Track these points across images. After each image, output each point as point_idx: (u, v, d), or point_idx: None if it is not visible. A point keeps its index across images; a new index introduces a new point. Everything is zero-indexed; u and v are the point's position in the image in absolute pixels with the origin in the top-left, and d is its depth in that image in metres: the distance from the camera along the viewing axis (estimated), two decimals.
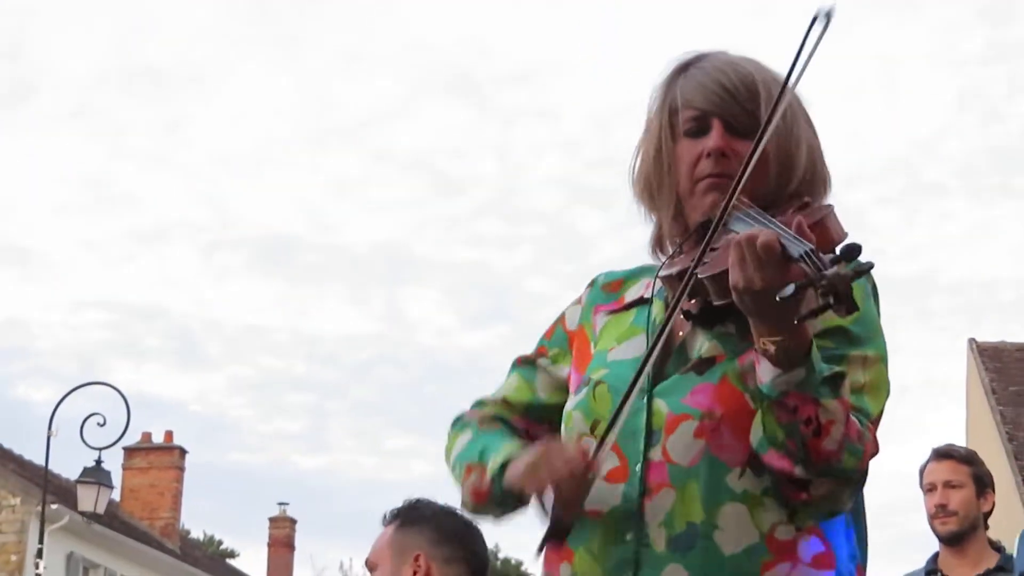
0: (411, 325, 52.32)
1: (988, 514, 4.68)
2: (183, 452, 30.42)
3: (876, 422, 1.99)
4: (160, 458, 30.02)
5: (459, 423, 2.27)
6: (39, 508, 20.73)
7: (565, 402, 2.19)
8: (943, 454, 4.73)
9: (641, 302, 2.19)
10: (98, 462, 20.38)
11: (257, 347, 52.58)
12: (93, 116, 45.62)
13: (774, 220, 1.91)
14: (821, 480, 1.89)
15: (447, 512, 3.35)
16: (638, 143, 2.22)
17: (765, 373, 1.87)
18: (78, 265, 47.07)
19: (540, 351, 2.30)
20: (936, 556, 4.71)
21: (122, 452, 29.15)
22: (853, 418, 1.90)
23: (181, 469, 30.32)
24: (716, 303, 1.95)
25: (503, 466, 2.08)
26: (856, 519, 2.09)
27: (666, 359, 2.07)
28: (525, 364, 2.30)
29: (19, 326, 50.67)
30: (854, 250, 1.75)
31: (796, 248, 1.79)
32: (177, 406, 52.70)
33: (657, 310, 2.14)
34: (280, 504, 38.06)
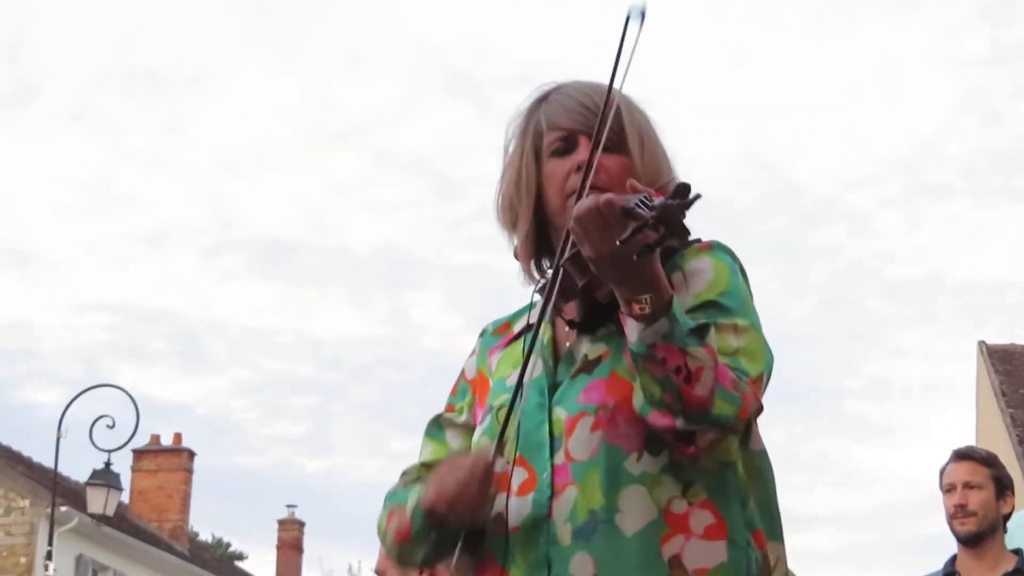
0: (413, 327, 52.37)
1: (1007, 517, 4.67)
2: (192, 454, 30.46)
3: (757, 383, 2.06)
4: (169, 460, 30.07)
5: (388, 498, 2.31)
6: (48, 510, 20.77)
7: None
8: (963, 455, 4.73)
9: (527, 328, 2.26)
10: (107, 464, 20.41)
11: (259, 349, 52.72)
12: (94, 117, 45.77)
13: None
14: (702, 429, 1.98)
15: None
16: (501, 175, 2.32)
17: (632, 332, 1.98)
18: (80, 267, 47.24)
19: (448, 408, 2.38)
20: (954, 558, 4.70)
21: (131, 454, 29.23)
22: (726, 367, 1.99)
23: (190, 471, 30.36)
24: (580, 283, 2.06)
25: (419, 500, 2.16)
26: (757, 489, 2.15)
27: (556, 370, 2.19)
28: (432, 427, 2.38)
29: (22, 329, 50.83)
30: (684, 188, 1.85)
31: (630, 200, 1.89)
32: (182, 408, 52.87)
33: (544, 330, 2.21)
34: (288, 507, 38.13)
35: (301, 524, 37.91)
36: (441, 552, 2.15)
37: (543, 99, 2.29)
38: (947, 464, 4.74)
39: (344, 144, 50.31)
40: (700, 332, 1.97)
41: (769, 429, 2.20)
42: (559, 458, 2.09)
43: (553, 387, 2.17)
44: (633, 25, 2.09)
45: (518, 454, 2.13)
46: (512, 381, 2.18)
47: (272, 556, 37.98)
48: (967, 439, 19.53)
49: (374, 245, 51.00)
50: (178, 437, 30.38)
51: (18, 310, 52.28)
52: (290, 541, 37.40)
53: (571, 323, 2.17)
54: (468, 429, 2.32)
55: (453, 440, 2.33)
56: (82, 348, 46.80)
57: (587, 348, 2.16)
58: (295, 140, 50.97)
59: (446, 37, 51.30)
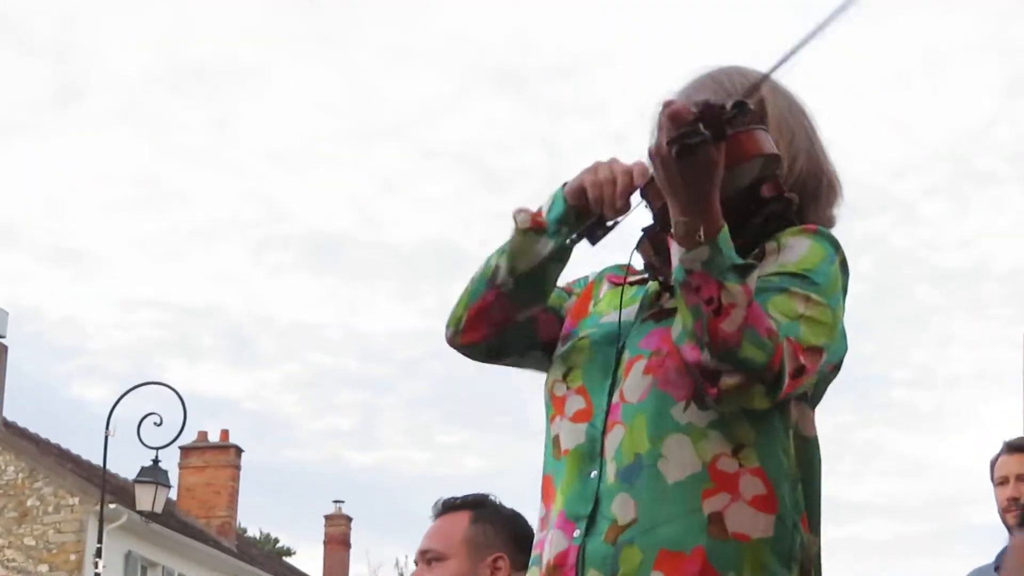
0: None
1: None
2: (239, 451, 30.63)
3: (809, 352, 2.03)
4: (216, 457, 30.23)
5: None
6: (97, 507, 20.90)
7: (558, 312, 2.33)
8: (1017, 447, 4.66)
9: (643, 282, 2.27)
10: (155, 461, 20.52)
11: (308, 344, 52.82)
12: (141, 115, 45.71)
13: None
14: (727, 369, 1.95)
15: (520, 516, 3.25)
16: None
17: (675, 255, 2.00)
18: (129, 264, 47.26)
19: (567, 289, 2.39)
20: (1005, 551, 4.63)
21: (178, 451, 29.38)
22: (764, 314, 1.97)
23: (237, 467, 30.51)
24: (651, 207, 2.12)
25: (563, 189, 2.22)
26: (806, 475, 2.13)
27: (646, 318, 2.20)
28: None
29: (72, 325, 51.29)
30: (740, 105, 1.94)
31: (696, 107, 1.93)
32: (230, 404, 53.10)
33: (651, 286, 2.24)
34: (335, 502, 38.27)
35: (349, 519, 38.05)
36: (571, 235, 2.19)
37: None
38: (999, 456, 4.67)
39: (391, 139, 50.40)
40: (742, 270, 1.97)
41: (817, 418, 2.18)
42: (615, 397, 2.12)
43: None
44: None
45: (580, 383, 2.17)
46: (605, 320, 2.23)
47: (320, 551, 38.17)
48: (1016, 428, 19.35)
49: (422, 239, 51.03)
50: (225, 434, 30.55)
51: (68, 307, 52.87)
52: (337, 536, 37.55)
53: (663, 283, 2.18)
54: (559, 300, 2.34)
55: (555, 301, 2.35)
56: (131, 344, 47.03)
57: (669, 302, 2.15)
58: (342, 135, 51.19)
59: (491, 31, 51.36)
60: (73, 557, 23.70)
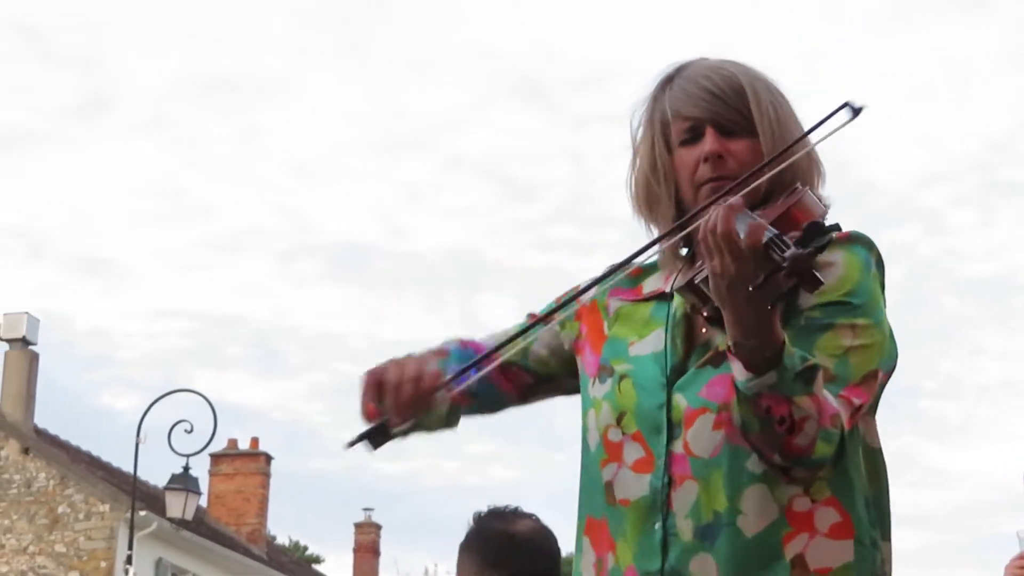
0: (486, 330, 51.84)
1: None
2: (269, 458, 30.63)
3: (863, 383, 2.04)
4: (246, 464, 30.25)
5: None
6: (128, 515, 20.98)
7: (551, 358, 2.31)
8: None
9: (661, 296, 2.23)
10: (186, 469, 20.56)
11: (334, 354, 52.91)
12: (168, 126, 45.84)
13: (752, 215, 1.95)
14: (799, 468, 1.98)
15: (494, 535, 3.43)
16: (631, 159, 2.28)
17: (738, 372, 1.94)
18: (157, 274, 47.41)
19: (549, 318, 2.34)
20: None
21: (208, 459, 29.45)
22: (829, 401, 1.96)
23: (267, 475, 30.53)
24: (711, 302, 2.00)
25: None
26: (875, 486, 2.13)
27: (688, 356, 2.14)
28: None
29: (102, 336, 51.49)
30: (814, 229, 1.82)
31: (765, 234, 1.84)
32: (258, 414, 53.20)
33: (677, 304, 2.18)
34: (365, 510, 38.25)
35: (378, 527, 38.03)
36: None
37: (667, 83, 2.24)
38: None
39: (415, 149, 50.40)
40: (808, 376, 1.92)
41: None
42: (677, 447, 2.07)
43: (676, 370, 2.13)
44: (844, 114, 2.03)
45: (636, 429, 2.12)
46: (636, 351, 2.17)
47: (349, 559, 38.16)
48: None
49: (446, 249, 51.11)
50: (255, 441, 30.57)
51: (97, 317, 52.99)
52: (367, 544, 37.53)
53: (707, 319, 2.09)
54: (554, 343, 2.32)
55: (540, 343, 2.33)
56: (159, 354, 47.16)
57: (720, 339, 2.07)
58: (367, 146, 51.31)
59: (514, 42, 51.43)
60: (104, 564, 23.75)
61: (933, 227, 48.74)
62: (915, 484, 54.96)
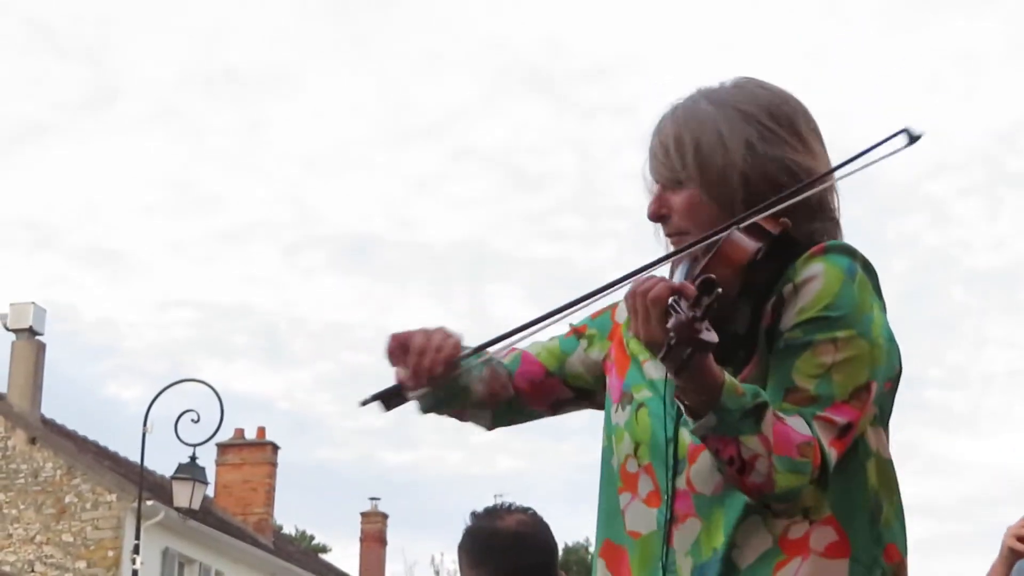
0: (494, 321, 52.31)
1: None
2: (275, 448, 30.69)
3: (857, 396, 2.02)
4: (253, 454, 30.30)
5: None
6: (135, 504, 21.01)
7: (586, 373, 2.33)
8: None
9: None
10: (192, 458, 20.61)
11: (341, 344, 52.94)
12: (175, 118, 45.76)
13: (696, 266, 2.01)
14: (771, 504, 1.99)
15: (478, 532, 3.48)
16: None
17: (687, 416, 1.97)
18: (164, 265, 47.35)
19: (580, 329, 2.37)
20: None
21: (215, 448, 29.49)
22: (794, 431, 1.95)
23: (274, 465, 30.58)
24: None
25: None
26: (889, 498, 2.10)
27: None
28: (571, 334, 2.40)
29: (108, 326, 51.49)
30: (702, 287, 1.82)
31: (668, 300, 1.87)
32: (265, 403, 53.21)
33: None
34: (372, 499, 38.32)
35: (384, 516, 38.09)
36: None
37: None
38: None
39: (422, 141, 50.29)
40: (756, 414, 1.92)
41: None
42: (680, 482, 2.08)
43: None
44: (900, 139, 2.07)
45: (648, 461, 2.13)
46: (650, 374, 2.18)
47: (356, 548, 38.25)
48: None
49: (453, 240, 51.03)
50: (262, 431, 30.61)
51: (104, 308, 53.06)
52: (373, 533, 37.60)
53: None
54: (585, 361, 2.34)
55: (575, 357, 2.35)
56: (166, 344, 47.17)
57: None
58: (374, 138, 51.25)
59: (521, 34, 51.30)
60: (111, 553, 23.82)
61: (939, 217, 48.68)
62: (921, 473, 54.96)
